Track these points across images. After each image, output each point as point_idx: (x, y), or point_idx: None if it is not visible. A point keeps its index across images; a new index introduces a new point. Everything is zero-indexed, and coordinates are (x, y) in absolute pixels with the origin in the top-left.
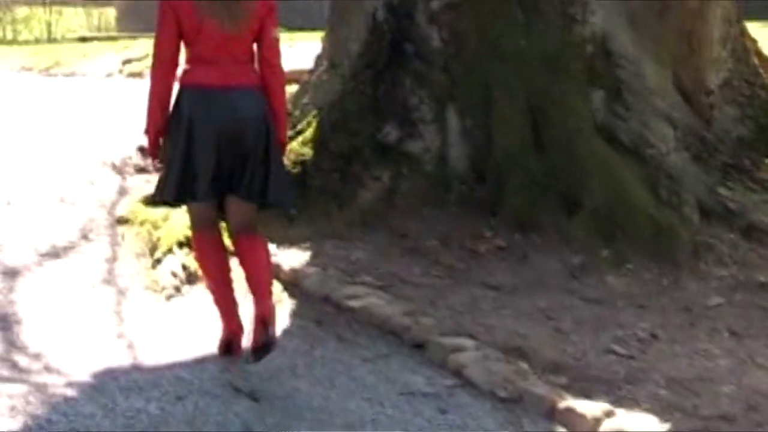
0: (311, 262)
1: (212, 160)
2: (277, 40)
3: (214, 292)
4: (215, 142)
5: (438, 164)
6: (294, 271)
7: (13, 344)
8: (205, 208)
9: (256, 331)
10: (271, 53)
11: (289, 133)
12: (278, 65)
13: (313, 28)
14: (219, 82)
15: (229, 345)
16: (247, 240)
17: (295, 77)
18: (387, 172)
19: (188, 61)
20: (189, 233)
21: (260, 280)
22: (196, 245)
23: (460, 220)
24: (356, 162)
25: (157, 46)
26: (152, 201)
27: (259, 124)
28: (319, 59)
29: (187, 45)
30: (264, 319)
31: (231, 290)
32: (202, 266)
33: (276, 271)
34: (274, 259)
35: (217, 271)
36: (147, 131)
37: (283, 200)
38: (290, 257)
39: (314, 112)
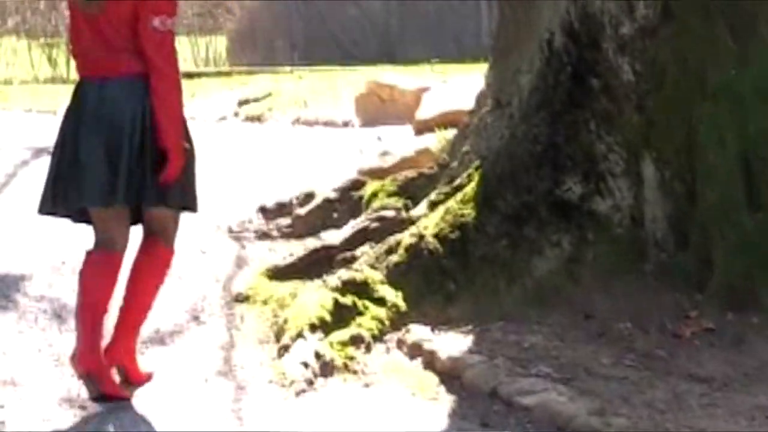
0: (475, 349)
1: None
2: (157, 31)
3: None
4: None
5: (631, 226)
6: (454, 360)
7: None
8: None
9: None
10: (147, 45)
11: (446, 188)
12: (155, 59)
13: (474, 59)
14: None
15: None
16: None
17: (451, 120)
18: (568, 237)
19: None
20: (323, 314)
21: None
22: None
23: (658, 295)
24: (529, 224)
25: None
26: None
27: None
28: (481, 97)
29: None
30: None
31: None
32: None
33: (432, 360)
34: (430, 345)
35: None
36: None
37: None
38: (449, 343)
39: (476, 163)
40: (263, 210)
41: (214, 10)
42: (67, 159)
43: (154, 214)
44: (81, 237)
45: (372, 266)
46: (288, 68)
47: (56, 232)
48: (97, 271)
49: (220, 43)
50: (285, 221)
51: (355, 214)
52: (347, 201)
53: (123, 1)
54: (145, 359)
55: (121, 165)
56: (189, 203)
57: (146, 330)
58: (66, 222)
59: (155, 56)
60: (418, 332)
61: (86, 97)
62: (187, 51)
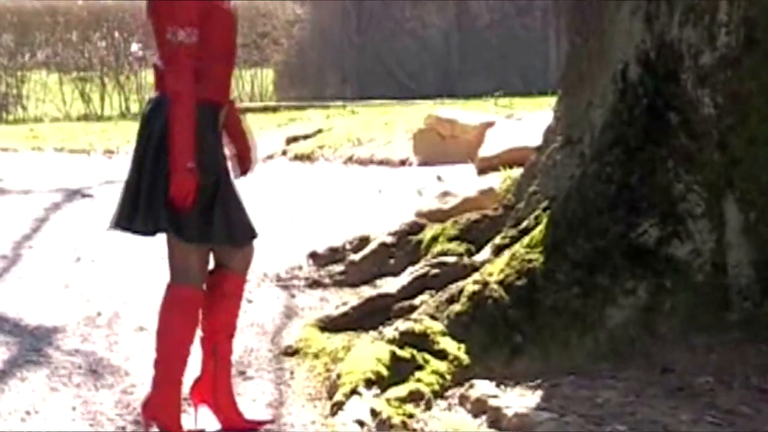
0: (544, 406)
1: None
2: (168, 44)
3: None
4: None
5: (712, 273)
6: (521, 417)
7: None
8: None
9: None
10: (163, 57)
11: (512, 232)
12: (168, 71)
13: (541, 93)
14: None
15: None
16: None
17: (517, 157)
18: (644, 285)
19: None
20: (379, 368)
21: None
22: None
23: (742, 348)
24: (602, 271)
25: None
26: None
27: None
28: (549, 134)
29: None
30: None
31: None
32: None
33: (497, 418)
34: (495, 402)
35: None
36: None
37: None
38: (516, 399)
39: (544, 204)
40: (314, 256)
41: (259, 41)
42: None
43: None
44: (118, 286)
45: (432, 316)
46: (340, 103)
47: (90, 282)
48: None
49: (266, 77)
50: (337, 268)
51: (413, 260)
52: (405, 246)
53: (152, 14)
54: (189, 417)
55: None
56: (213, 237)
57: (188, 386)
58: (101, 270)
59: (165, 71)
60: (482, 388)
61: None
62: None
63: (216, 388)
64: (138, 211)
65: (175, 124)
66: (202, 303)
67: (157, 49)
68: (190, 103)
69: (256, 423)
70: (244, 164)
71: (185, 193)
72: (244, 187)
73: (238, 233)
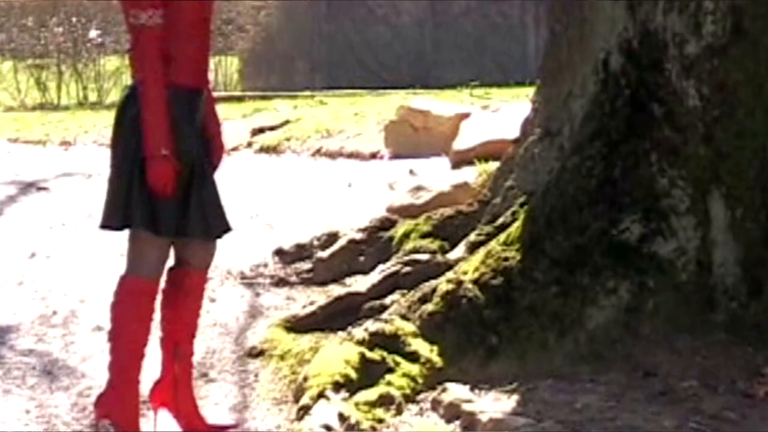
0: (520, 411)
1: None
2: (131, 28)
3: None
4: None
5: (697, 272)
6: (496, 422)
7: None
8: None
9: None
10: (130, 41)
11: (488, 228)
12: (134, 56)
13: (519, 83)
14: None
15: None
16: None
17: (493, 150)
18: (626, 284)
19: None
20: (348, 371)
21: None
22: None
23: (728, 351)
24: (582, 270)
25: None
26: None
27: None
28: (527, 125)
29: None
30: None
31: None
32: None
33: (471, 423)
34: (469, 406)
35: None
36: None
37: None
38: (491, 403)
39: (521, 199)
40: (280, 253)
41: (224, 27)
42: None
43: None
44: (74, 283)
45: (403, 317)
46: (308, 93)
47: (45, 278)
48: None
49: (231, 65)
50: (305, 266)
51: (384, 257)
52: (375, 243)
53: None
54: (149, 421)
55: None
56: (189, 230)
57: (147, 388)
58: (57, 266)
59: (133, 57)
60: (455, 391)
61: None
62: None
63: (177, 391)
64: (114, 206)
65: (146, 111)
66: (155, 298)
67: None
68: (158, 88)
69: (219, 428)
70: (218, 155)
71: (163, 181)
72: None
73: (214, 227)
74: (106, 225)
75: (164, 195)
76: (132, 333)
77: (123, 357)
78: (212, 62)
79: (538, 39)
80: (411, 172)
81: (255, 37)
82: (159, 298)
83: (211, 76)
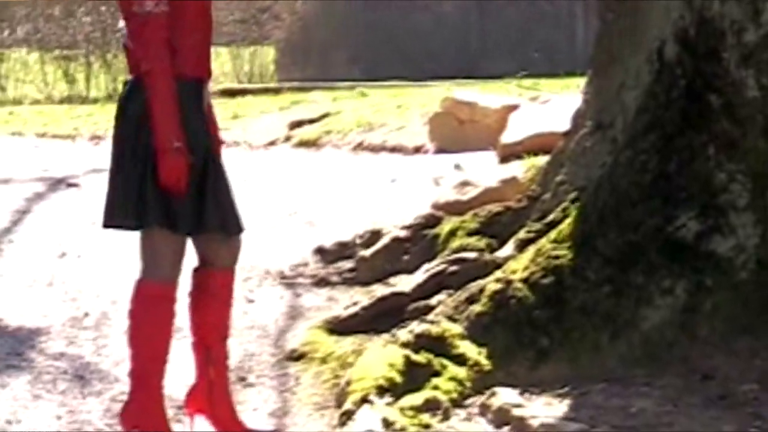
0: (573, 416)
1: None
2: (136, 16)
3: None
4: None
5: (757, 270)
6: (548, 428)
7: None
8: None
9: None
10: (131, 32)
11: (537, 225)
12: (139, 47)
13: (568, 73)
14: None
15: None
16: None
17: (542, 144)
18: (682, 283)
19: None
20: (392, 374)
21: None
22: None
23: None
24: (636, 268)
25: None
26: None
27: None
28: (578, 118)
29: None
30: None
31: None
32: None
33: (521, 429)
34: (519, 411)
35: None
36: None
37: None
38: (542, 408)
39: (572, 195)
40: (321, 251)
41: (259, 16)
42: None
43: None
44: (106, 284)
45: (450, 318)
46: (348, 84)
47: (76, 279)
48: None
49: (266, 55)
50: (346, 265)
51: (429, 256)
52: (420, 241)
53: None
54: (184, 427)
55: None
56: (207, 225)
57: (183, 392)
58: (88, 266)
59: (136, 48)
60: (504, 396)
61: None
62: (228, 64)
63: (213, 396)
64: (125, 206)
65: (155, 103)
66: (174, 300)
67: (125, 26)
68: (166, 78)
69: None
70: (219, 149)
71: (177, 176)
72: (243, 176)
73: (231, 222)
74: (116, 225)
75: (177, 190)
76: (151, 339)
77: (144, 365)
78: (247, 52)
79: (587, 28)
80: (457, 166)
81: (291, 26)
82: (188, 300)
83: (246, 66)
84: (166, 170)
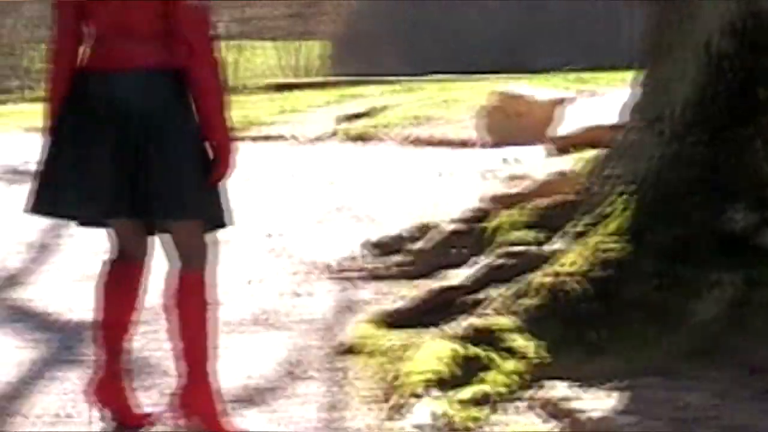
0: (623, 409)
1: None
2: (193, 8)
3: None
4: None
5: None
6: (599, 421)
7: None
8: None
9: None
10: (184, 27)
11: (587, 218)
12: (195, 43)
13: (613, 67)
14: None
15: None
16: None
17: (593, 137)
18: (731, 277)
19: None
20: (443, 368)
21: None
22: None
23: None
24: (686, 262)
25: None
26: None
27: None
28: (627, 112)
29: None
30: None
31: None
32: None
33: (573, 422)
34: (569, 405)
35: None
36: None
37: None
38: (593, 401)
39: (621, 189)
40: (369, 245)
41: (306, 10)
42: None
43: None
44: (154, 279)
45: (501, 311)
46: (395, 78)
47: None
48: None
49: (313, 50)
50: (395, 259)
51: (479, 249)
52: (470, 234)
53: None
54: (233, 422)
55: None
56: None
57: (236, 388)
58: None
59: (194, 39)
60: (554, 389)
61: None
62: (274, 59)
63: (115, 387)
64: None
65: (217, 97)
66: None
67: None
68: (219, 74)
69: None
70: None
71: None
72: (290, 170)
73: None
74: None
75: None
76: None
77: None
78: (293, 47)
79: (632, 21)
80: (505, 160)
81: (338, 21)
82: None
83: (292, 61)
84: (228, 164)
